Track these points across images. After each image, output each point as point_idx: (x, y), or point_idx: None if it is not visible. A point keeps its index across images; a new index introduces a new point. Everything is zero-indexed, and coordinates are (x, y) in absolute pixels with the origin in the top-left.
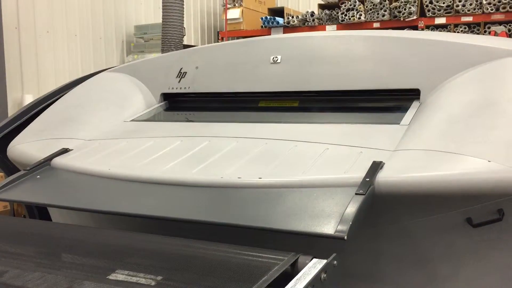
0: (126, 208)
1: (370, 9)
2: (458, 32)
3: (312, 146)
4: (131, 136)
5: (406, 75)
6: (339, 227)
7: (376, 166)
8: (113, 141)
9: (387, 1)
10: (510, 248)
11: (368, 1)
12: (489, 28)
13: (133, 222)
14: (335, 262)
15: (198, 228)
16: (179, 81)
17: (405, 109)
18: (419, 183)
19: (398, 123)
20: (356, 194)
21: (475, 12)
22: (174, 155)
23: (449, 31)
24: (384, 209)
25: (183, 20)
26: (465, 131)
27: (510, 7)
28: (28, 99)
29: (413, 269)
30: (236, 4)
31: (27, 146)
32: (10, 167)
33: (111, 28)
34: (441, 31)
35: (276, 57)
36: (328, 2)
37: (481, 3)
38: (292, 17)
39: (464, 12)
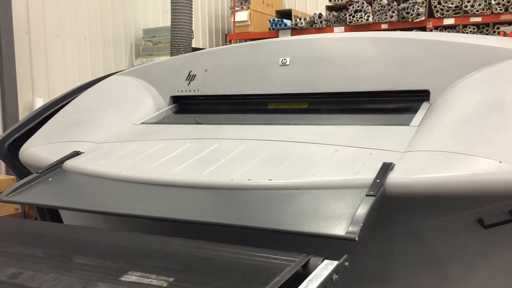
0: (137, 210)
1: (378, 11)
2: (467, 32)
3: (322, 148)
4: (142, 139)
5: (415, 76)
6: (350, 229)
7: (387, 168)
8: (124, 143)
9: (395, 2)
10: None
11: (376, 3)
12: (498, 28)
13: (144, 224)
14: (346, 263)
15: (209, 230)
16: (188, 84)
17: (414, 110)
18: (429, 184)
19: (408, 124)
20: (366, 195)
21: (484, 13)
22: (184, 158)
23: (457, 31)
24: (395, 210)
25: (191, 23)
26: (475, 132)
27: None
28: (39, 102)
29: (424, 270)
30: (244, 7)
31: (38, 149)
32: (22, 170)
33: (120, 32)
34: (449, 32)
35: (285, 59)
36: (336, 4)
37: (490, 3)
38: (300, 19)
39: (473, 12)
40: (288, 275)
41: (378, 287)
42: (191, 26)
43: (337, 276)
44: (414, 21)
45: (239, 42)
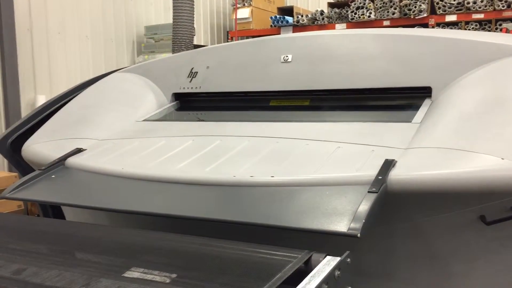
0: (140, 207)
1: (380, 7)
2: (469, 29)
3: (324, 145)
4: (144, 136)
5: (417, 73)
6: (352, 225)
7: (389, 164)
8: (126, 140)
9: None
10: None
11: None
12: (500, 25)
13: (147, 220)
14: (348, 259)
15: (211, 226)
16: (190, 81)
17: (416, 107)
18: (431, 181)
19: (410, 121)
20: (368, 192)
21: (486, 9)
22: (186, 154)
23: (460, 28)
24: (397, 207)
25: (193, 20)
26: (477, 128)
27: None
28: (41, 100)
29: (426, 267)
30: (246, 4)
31: (41, 146)
32: (24, 167)
33: (121, 29)
34: (452, 28)
35: (286, 56)
36: (338, 1)
37: (492, 0)
38: (302, 16)
39: (475, 9)
40: (290, 271)
41: (380, 284)
42: (193, 23)
43: (339, 272)
44: (416, 18)
45: (241, 39)
